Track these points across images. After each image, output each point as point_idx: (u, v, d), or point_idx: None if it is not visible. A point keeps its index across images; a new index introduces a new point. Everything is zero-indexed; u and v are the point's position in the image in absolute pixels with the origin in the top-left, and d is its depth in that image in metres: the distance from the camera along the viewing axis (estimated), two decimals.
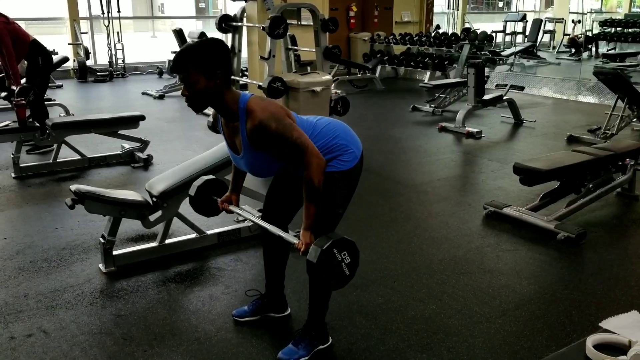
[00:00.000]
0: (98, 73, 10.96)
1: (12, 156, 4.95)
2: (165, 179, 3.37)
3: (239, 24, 5.69)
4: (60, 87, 9.98)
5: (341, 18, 12.39)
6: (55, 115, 7.03)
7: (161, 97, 9.08)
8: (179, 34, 9.48)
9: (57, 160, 5.20)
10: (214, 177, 2.78)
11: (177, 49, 9.86)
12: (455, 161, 5.81)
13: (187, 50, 2.11)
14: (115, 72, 11.25)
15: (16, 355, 2.46)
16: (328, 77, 5.32)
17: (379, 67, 11.43)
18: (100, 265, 3.27)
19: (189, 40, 9.46)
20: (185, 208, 3.48)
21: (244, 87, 5.96)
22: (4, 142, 5.01)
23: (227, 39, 6.27)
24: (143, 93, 9.47)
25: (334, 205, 2.37)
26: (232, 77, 5.69)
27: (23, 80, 5.68)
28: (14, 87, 5.45)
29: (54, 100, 8.02)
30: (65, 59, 8.78)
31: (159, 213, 3.35)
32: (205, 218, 3.77)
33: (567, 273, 3.30)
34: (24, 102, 4.99)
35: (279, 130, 2.14)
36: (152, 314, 2.81)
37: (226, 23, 5.71)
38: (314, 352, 2.48)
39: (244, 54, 5.84)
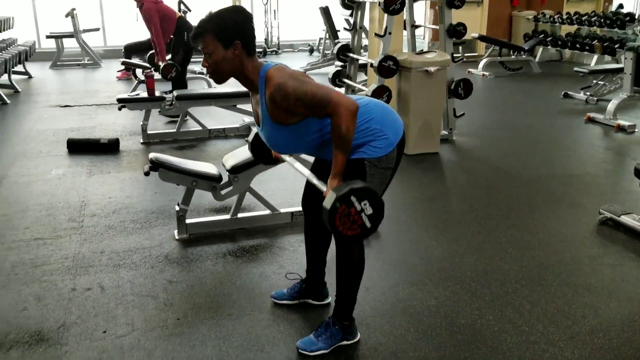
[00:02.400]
0: None
1: (141, 124, 5.39)
2: (239, 154, 3.40)
3: (361, 0, 5.53)
4: None
5: None
6: (200, 87, 7.53)
7: None
8: (325, 11, 9.53)
9: (181, 130, 5.57)
10: None
11: (323, 27, 9.99)
12: (592, 157, 5.11)
13: (205, 19, 2.06)
14: (268, 49, 11.71)
15: (69, 306, 2.67)
16: (446, 56, 4.95)
17: (540, 49, 10.48)
18: (175, 232, 3.42)
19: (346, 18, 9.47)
20: (259, 185, 3.52)
21: (363, 66, 5.81)
22: (135, 110, 5.46)
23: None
24: None
25: None
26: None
27: (168, 57, 6.23)
28: (160, 63, 5.97)
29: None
30: None
31: (231, 187, 3.40)
32: (281, 196, 3.81)
33: None
34: (153, 73, 5.39)
35: (297, 87, 1.99)
36: (199, 284, 2.87)
37: None
38: (335, 347, 2.34)
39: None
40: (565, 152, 5.19)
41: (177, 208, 3.35)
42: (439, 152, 5.07)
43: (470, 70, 9.54)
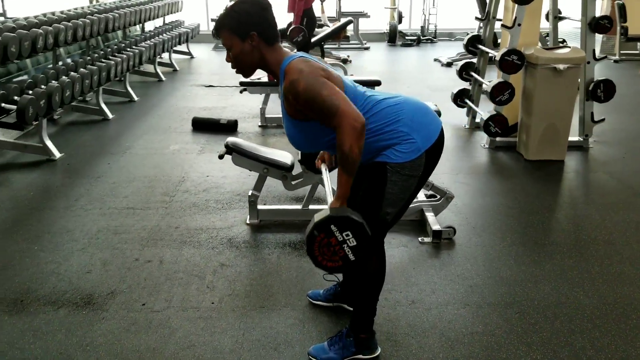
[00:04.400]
0: (406, 37, 11.26)
1: (260, 107, 5.57)
2: None
3: None
4: (367, 48, 10.63)
5: None
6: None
7: (449, 64, 8.84)
8: None
9: None
10: None
11: (478, 15, 9.41)
12: None
13: (222, 14, 2.01)
14: (423, 37, 11.37)
15: (125, 275, 2.85)
16: (581, 53, 4.37)
17: None
18: (247, 216, 3.48)
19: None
20: (332, 176, 3.42)
21: (490, 60, 5.33)
22: (255, 94, 5.63)
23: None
24: (435, 59, 9.38)
25: (380, 201, 2.00)
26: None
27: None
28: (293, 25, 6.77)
29: (350, 61, 8.80)
30: (349, 22, 8.91)
31: (302, 177, 3.36)
32: None
33: None
34: None
35: (308, 87, 1.85)
36: (247, 271, 2.89)
37: None
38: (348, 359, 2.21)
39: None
40: None
41: (250, 193, 3.40)
42: (564, 160, 4.52)
43: None
